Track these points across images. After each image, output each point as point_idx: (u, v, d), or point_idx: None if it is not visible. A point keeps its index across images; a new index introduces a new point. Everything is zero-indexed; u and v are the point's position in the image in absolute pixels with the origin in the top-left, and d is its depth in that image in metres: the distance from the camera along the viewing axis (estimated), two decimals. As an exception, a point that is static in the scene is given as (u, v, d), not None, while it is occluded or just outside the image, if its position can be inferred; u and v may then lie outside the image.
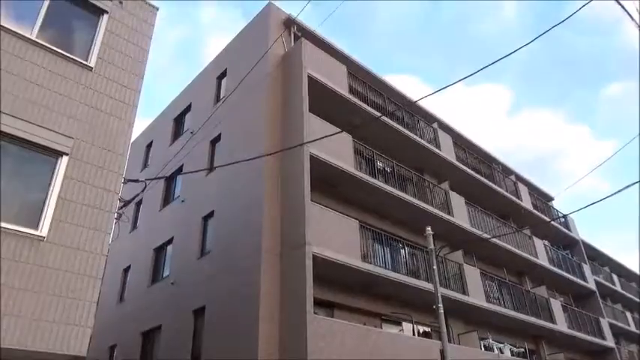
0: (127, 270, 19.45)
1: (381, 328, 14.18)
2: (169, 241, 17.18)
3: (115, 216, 7.76)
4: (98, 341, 18.50)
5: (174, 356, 14.03)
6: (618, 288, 34.19)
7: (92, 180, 7.39)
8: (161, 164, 18.46)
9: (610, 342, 25.18)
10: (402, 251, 15.65)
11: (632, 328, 32.08)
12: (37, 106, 7.26)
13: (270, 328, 11.53)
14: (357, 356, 11.51)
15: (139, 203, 20.31)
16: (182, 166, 17.74)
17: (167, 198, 18.84)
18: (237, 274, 12.86)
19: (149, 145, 22.15)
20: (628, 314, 33.10)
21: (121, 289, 19.27)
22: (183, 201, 17.16)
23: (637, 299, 36.99)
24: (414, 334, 15.28)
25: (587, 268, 28.17)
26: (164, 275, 16.80)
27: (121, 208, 10.19)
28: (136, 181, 10.06)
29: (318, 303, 12.62)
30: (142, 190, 10.49)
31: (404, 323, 15.48)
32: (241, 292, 12.41)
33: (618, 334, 29.57)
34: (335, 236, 12.97)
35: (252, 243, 12.78)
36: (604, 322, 25.81)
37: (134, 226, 20.30)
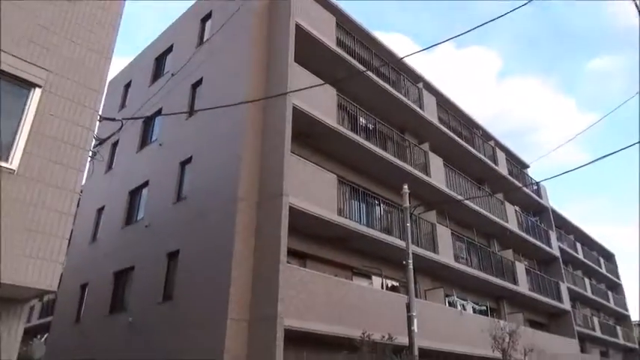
0: (100, 210, 19.29)
1: (352, 280, 14.57)
2: (145, 184, 17.01)
3: (90, 154, 7.58)
4: (70, 279, 18.62)
5: (146, 297, 14.21)
6: (580, 256, 35.67)
7: (66, 115, 7.16)
8: (139, 105, 18.00)
9: (567, 305, 26.51)
10: (378, 208, 15.88)
11: (589, 293, 33.76)
12: (11, 34, 6.89)
13: (243, 275, 11.71)
14: (326, 306, 11.85)
15: (115, 144, 19.94)
16: (161, 108, 17.33)
17: (144, 140, 18.50)
18: (213, 221, 12.90)
19: (128, 85, 21.48)
20: (586, 280, 34.75)
21: (94, 229, 19.17)
22: (161, 144, 16.88)
23: (596, 267, 38.74)
24: (382, 288, 15.77)
25: (553, 235, 29.19)
26: (138, 218, 16.74)
27: (96, 146, 9.97)
28: (112, 119, 9.79)
29: (292, 253, 12.82)
30: (118, 130, 10.23)
31: (374, 277, 15.95)
32: (216, 239, 12.50)
33: (575, 298, 31.12)
34: (312, 189, 13.04)
35: (229, 191, 12.77)
36: (563, 287, 27.04)
37: (109, 166, 20.00)
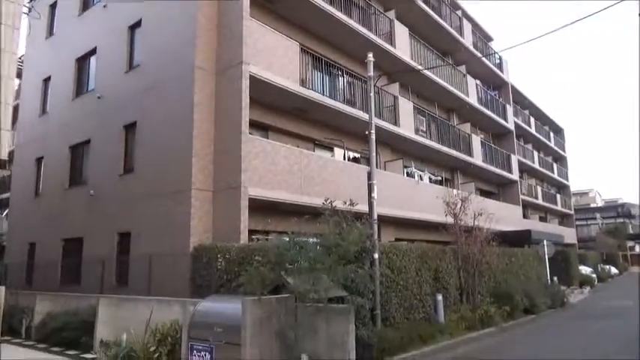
0: (47, 81, 18.04)
1: (314, 152, 14.69)
2: (93, 52, 15.79)
3: (24, 9, 6.74)
4: (23, 153, 18.01)
5: (106, 170, 13.99)
6: (533, 130, 37.13)
7: (-13, -39, 6.19)
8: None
9: (515, 176, 28.22)
10: (341, 79, 15.51)
11: (537, 165, 35.86)
12: None
13: (205, 146, 11.55)
14: (288, 176, 12.04)
15: (53, 6, 18.03)
16: (102, -36, 15.45)
17: (86, 2, 16.74)
18: (170, 91, 12.32)
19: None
20: (535, 153, 36.67)
21: (43, 100, 18.09)
22: (105, 6, 15.33)
23: (546, 141, 40.69)
24: (344, 160, 16.07)
25: (509, 110, 29.94)
26: (89, 88, 15.79)
27: (31, 0, 8.84)
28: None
29: (253, 125, 12.62)
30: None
31: (336, 149, 16.14)
32: (174, 110, 12.05)
33: (523, 169, 33.06)
34: (274, 58, 12.44)
35: (185, 58, 12.02)
36: (514, 159, 28.51)
37: (50, 32, 18.29)
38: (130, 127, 13.48)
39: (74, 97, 16.28)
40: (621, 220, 64.76)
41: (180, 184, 11.30)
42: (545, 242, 19.32)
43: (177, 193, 11.32)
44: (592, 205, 71.96)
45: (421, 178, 19.34)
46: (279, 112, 13.84)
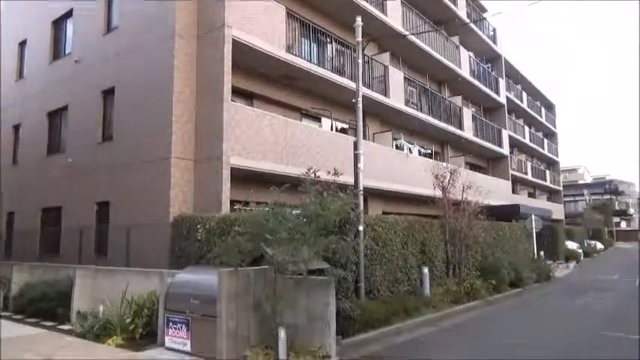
0: (22, 44, 17.31)
1: (301, 121, 14.27)
2: (69, 14, 15.08)
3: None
4: (1, 120, 17.40)
5: (84, 137, 13.52)
6: (525, 105, 36.81)
7: None
8: None
9: (506, 151, 28.03)
10: (329, 47, 14.97)
11: (527, 141, 35.70)
12: None
13: (186, 113, 11.09)
14: (273, 146, 11.65)
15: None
16: None
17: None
18: (149, 55, 11.76)
19: None
20: (526, 129, 36.48)
21: (19, 64, 17.40)
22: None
23: (537, 116, 40.47)
24: (332, 130, 15.66)
25: (502, 84, 29.53)
26: (66, 52, 15.13)
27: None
28: None
29: (237, 92, 12.19)
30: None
31: (323, 119, 15.71)
32: (154, 76, 11.51)
33: (514, 145, 32.88)
34: (259, 22, 11.87)
35: (165, 20, 11.43)
36: (505, 134, 28.27)
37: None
38: (109, 93, 12.94)
39: (51, 61, 15.62)
40: (608, 196, 65.37)
41: (159, 152, 10.88)
42: (533, 217, 19.24)
43: (156, 162, 10.91)
44: (580, 182, 72.48)
45: (410, 151, 19.03)
46: (265, 79, 13.34)
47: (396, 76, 17.61)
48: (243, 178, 11.04)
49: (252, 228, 7.11)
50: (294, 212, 7.12)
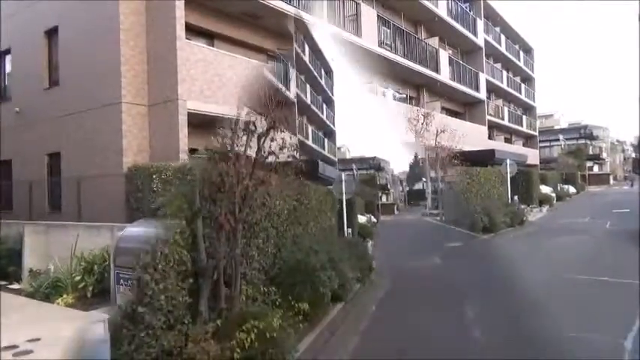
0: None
1: (267, 63, 13.38)
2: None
3: None
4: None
5: (29, 83, 12.45)
6: (503, 49, 35.93)
7: None
8: None
9: (483, 95, 27.51)
10: (296, -19, 13.86)
11: (504, 85, 35.12)
12: None
13: (137, 54, 10.16)
14: (236, 89, 10.80)
15: None
16: None
17: None
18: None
19: None
20: (504, 73, 35.81)
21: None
22: None
23: (516, 60, 39.71)
24: (300, 73, 14.83)
25: (480, 25, 28.55)
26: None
27: None
28: None
29: (195, 31, 11.22)
30: None
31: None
32: (99, 10, 10.42)
33: (491, 89, 32.29)
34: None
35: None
36: (482, 77, 27.62)
37: None
38: (52, 33, 11.78)
39: (-11, -1, 14.15)
40: (583, 141, 65.99)
41: (109, 97, 10.00)
42: (507, 162, 18.99)
43: (106, 108, 10.04)
44: (556, 127, 72.89)
45: (384, 95, 18.35)
46: (228, 18, 12.34)
47: (369, 14, 16.62)
48: (203, 124, 10.23)
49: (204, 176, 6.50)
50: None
